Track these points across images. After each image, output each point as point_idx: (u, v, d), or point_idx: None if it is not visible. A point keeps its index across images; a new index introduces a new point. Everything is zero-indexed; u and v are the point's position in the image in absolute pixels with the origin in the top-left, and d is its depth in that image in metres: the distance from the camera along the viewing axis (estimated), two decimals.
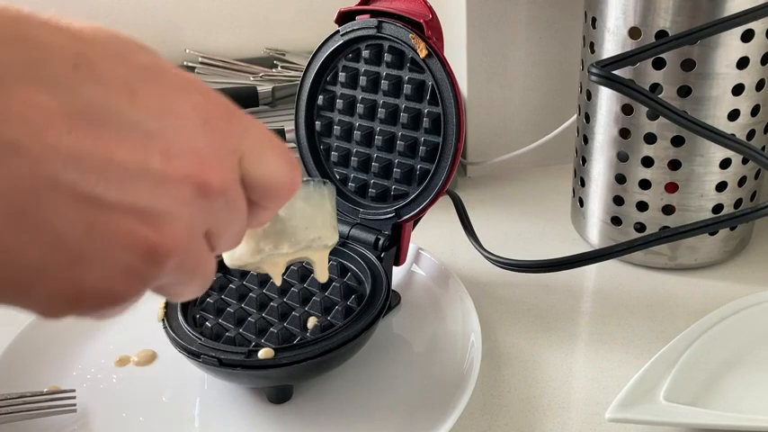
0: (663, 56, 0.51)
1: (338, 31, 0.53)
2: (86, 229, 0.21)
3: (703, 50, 0.50)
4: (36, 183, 0.20)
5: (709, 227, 0.49)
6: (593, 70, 0.46)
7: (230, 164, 0.25)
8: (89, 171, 0.21)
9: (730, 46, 0.50)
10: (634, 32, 0.52)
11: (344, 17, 0.53)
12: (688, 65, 0.51)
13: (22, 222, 0.20)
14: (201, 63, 0.89)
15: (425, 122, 0.51)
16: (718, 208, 0.56)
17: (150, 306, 0.51)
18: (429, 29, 0.49)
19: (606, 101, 0.56)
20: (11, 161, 0.19)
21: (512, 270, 0.54)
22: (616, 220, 0.59)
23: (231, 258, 0.37)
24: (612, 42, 0.54)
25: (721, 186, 0.55)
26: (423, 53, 0.49)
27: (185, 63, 0.89)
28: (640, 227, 0.58)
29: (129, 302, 0.23)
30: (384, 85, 0.52)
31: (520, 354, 0.51)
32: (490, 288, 0.58)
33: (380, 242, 0.52)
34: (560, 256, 0.52)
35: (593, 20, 0.55)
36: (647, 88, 0.52)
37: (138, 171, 0.21)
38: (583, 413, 0.45)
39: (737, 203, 0.57)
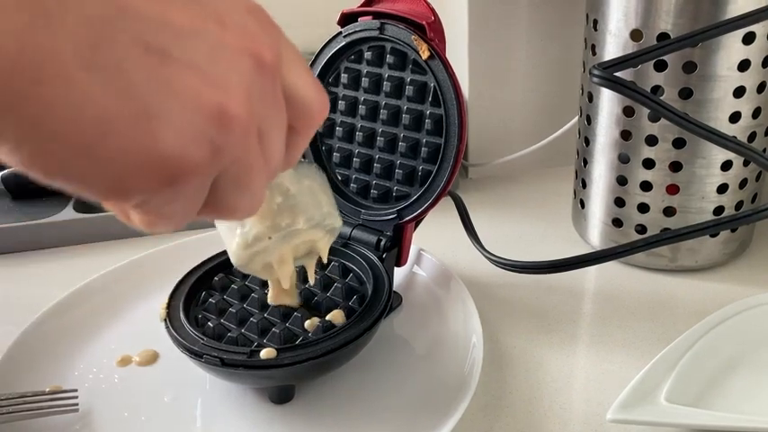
0: (664, 58, 0.51)
1: (341, 33, 0.53)
2: (155, 80, 0.21)
3: (705, 53, 0.50)
4: (104, 20, 0.20)
5: (710, 229, 0.49)
6: (596, 72, 0.46)
7: (278, 50, 0.25)
8: (150, 23, 0.21)
9: (732, 48, 0.50)
10: (635, 35, 0.52)
11: (347, 19, 0.53)
12: (689, 67, 0.51)
13: (96, 58, 0.20)
14: None
15: (427, 124, 0.51)
16: (719, 210, 0.56)
17: (152, 306, 0.52)
18: (431, 30, 0.49)
19: (608, 103, 0.56)
20: None
21: (513, 271, 0.54)
22: (617, 222, 0.59)
23: (246, 245, 0.37)
24: (614, 44, 0.54)
25: (722, 188, 0.55)
26: (425, 55, 0.49)
27: None
28: (641, 228, 0.58)
29: (198, 179, 0.23)
30: (386, 86, 0.52)
31: (521, 355, 0.51)
32: (491, 289, 0.58)
33: (382, 243, 0.52)
34: (561, 258, 0.52)
35: (595, 22, 0.56)
36: (649, 90, 0.52)
37: (196, 32, 0.22)
38: (584, 414, 0.45)
39: (738, 205, 0.57)
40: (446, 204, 0.57)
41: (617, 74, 0.47)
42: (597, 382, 0.48)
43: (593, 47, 0.56)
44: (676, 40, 0.48)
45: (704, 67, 0.51)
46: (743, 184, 0.56)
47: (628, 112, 0.55)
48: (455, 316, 0.52)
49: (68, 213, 0.68)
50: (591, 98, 0.58)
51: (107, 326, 0.53)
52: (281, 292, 0.46)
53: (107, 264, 0.59)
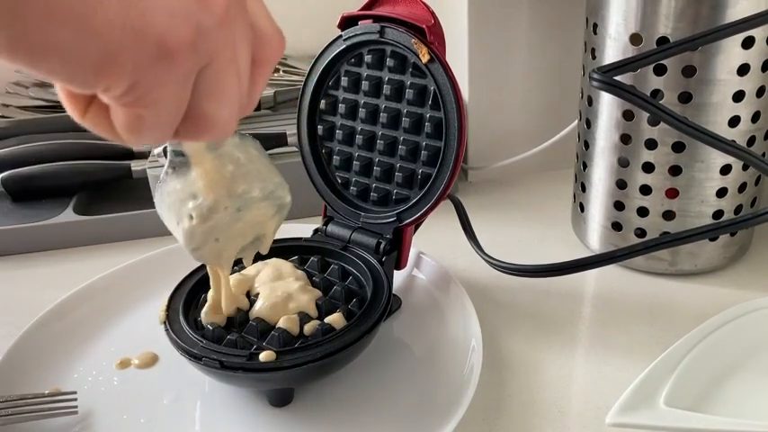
0: (664, 62, 0.51)
1: (341, 36, 0.53)
2: None
3: (704, 57, 0.51)
4: None
5: (709, 232, 0.49)
6: (595, 76, 0.46)
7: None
8: None
9: (731, 53, 0.50)
10: (635, 39, 0.52)
11: (347, 22, 0.53)
12: (689, 71, 0.51)
13: None
14: None
15: (427, 127, 0.51)
16: (718, 214, 0.56)
17: (151, 309, 0.52)
18: (431, 34, 0.49)
19: (607, 106, 0.56)
20: None
21: (512, 274, 0.54)
22: (617, 226, 0.59)
23: (201, 217, 0.38)
24: (614, 48, 0.54)
25: (722, 192, 0.55)
26: (425, 58, 0.49)
27: None
28: (641, 232, 0.58)
29: (185, 61, 0.25)
30: (386, 89, 0.53)
31: (520, 358, 0.51)
32: (491, 292, 0.58)
33: (382, 246, 0.52)
34: (561, 261, 0.52)
35: (595, 26, 0.56)
36: (648, 94, 0.52)
37: None
38: (583, 418, 0.45)
39: (738, 209, 0.57)
40: (446, 208, 0.57)
41: (616, 77, 0.47)
42: (596, 385, 0.48)
43: (593, 50, 0.56)
44: (676, 45, 0.48)
45: (704, 72, 0.51)
46: (742, 188, 0.56)
47: (627, 115, 0.55)
48: (454, 319, 0.52)
49: (68, 215, 0.68)
50: (590, 102, 0.58)
51: (106, 328, 0.53)
52: (227, 297, 0.46)
53: (107, 266, 0.59)
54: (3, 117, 0.85)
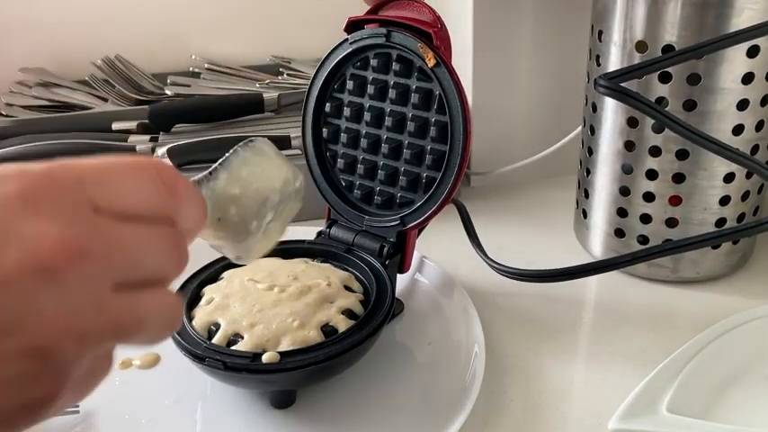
0: (669, 70, 0.51)
1: (347, 40, 0.53)
2: None
3: (709, 65, 0.51)
4: None
5: (711, 240, 0.49)
6: (601, 82, 0.47)
7: (78, 220, 0.24)
8: None
9: (736, 61, 0.50)
10: (640, 46, 0.53)
11: (354, 26, 0.53)
12: (694, 79, 0.51)
13: None
14: (207, 69, 0.89)
15: (432, 131, 0.51)
16: (721, 222, 0.56)
17: None
18: (437, 39, 0.49)
19: (611, 113, 0.56)
20: None
21: (515, 279, 0.54)
22: (619, 232, 0.59)
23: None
24: (618, 56, 0.54)
25: (725, 200, 0.55)
26: (431, 62, 0.50)
27: (191, 69, 0.90)
28: (643, 239, 0.58)
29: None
30: (392, 93, 0.53)
31: (522, 363, 0.51)
32: (493, 297, 0.58)
33: (385, 249, 0.52)
34: (563, 267, 0.52)
35: (600, 33, 0.56)
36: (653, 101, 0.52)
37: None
38: (585, 424, 0.45)
39: (740, 218, 0.57)
40: (449, 212, 0.57)
41: (622, 84, 0.47)
42: (598, 391, 0.48)
43: (598, 57, 0.57)
44: (681, 52, 0.48)
45: (708, 80, 0.51)
46: (745, 196, 0.56)
47: (632, 122, 0.55)
48: (457, 323, 0.52)
49: None
50: (595, 108, 0.58)
51: None
52: None
53: None
54: (6, 116, 0.85)
